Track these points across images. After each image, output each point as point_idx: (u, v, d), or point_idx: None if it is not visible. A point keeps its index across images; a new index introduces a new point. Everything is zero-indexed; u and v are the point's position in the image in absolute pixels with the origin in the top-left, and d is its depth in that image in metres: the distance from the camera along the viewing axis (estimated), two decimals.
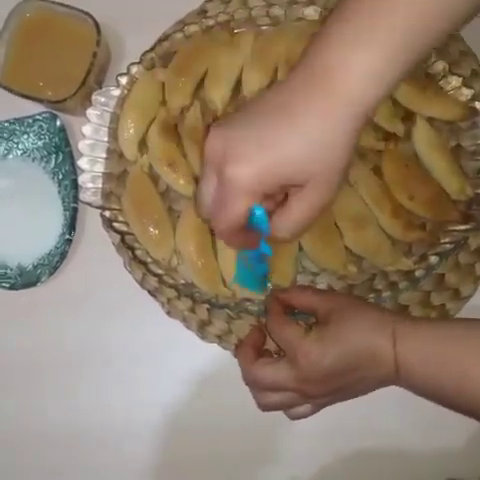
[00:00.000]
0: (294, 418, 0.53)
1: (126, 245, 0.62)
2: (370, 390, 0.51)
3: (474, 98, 0.61)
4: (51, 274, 0.64)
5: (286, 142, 0.41)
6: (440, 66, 0.61)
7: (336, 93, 0.41)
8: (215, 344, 0.64)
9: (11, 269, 0.66)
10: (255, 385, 0.53)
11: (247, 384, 0.54)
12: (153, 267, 0.62)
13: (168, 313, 0.64)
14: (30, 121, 0.67)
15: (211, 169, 0.44)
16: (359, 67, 0.41)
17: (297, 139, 0.41)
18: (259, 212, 0.43)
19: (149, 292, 0.64)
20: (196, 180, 0.62)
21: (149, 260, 0.62)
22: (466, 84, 0.61)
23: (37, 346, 0.66)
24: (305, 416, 0.53)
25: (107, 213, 0.63)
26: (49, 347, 0.66)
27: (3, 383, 0.66)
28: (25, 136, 0.67)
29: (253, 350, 0.55)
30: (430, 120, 0.62)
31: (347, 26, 0.42)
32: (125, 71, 0.64)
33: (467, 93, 0.61)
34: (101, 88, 0.65)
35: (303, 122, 0.42)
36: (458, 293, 0.62)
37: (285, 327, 0.52)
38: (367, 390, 0.52)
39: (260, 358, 0.53)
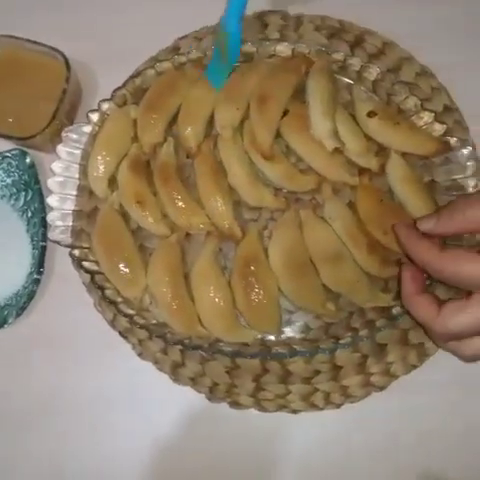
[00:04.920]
0: None
1: (96, 284, 0.60)
2: None
3: (447, 133, 0.60)
4: (18, 315, 0.62)
5: None
6: (412, 102, 0.61)
7: None
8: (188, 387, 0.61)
9: None
10: (454, 339, 0.47)
11: (441, 340, 0.48)
12: (123, 307, 0.60)
13: (140, 355, 0.62)
14: None
15: None
16: None
17: None
18: None
19: (120, 333, 0.62)
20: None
21: (119, 300, 0.60)
22: (438, 119, 0.61)
23: (2, 391, 0.63)
24: None
25: (77, 252, 0.61)
26: (15, 392, 0.63)
27: None
28: None
29: (430, 302, 0.48)
30: (404, 155, 0.61)
31: None
32: (96, 108, 0.63)
33: (439, 128, 0.60)
34: (72, 124, 0.64)
35: None
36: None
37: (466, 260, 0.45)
38: None
39: (443, 307, 0.46)
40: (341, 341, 0.59)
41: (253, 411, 0.61)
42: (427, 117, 0.61)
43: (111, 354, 0.63)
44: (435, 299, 0.49)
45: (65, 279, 0.64)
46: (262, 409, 0.61)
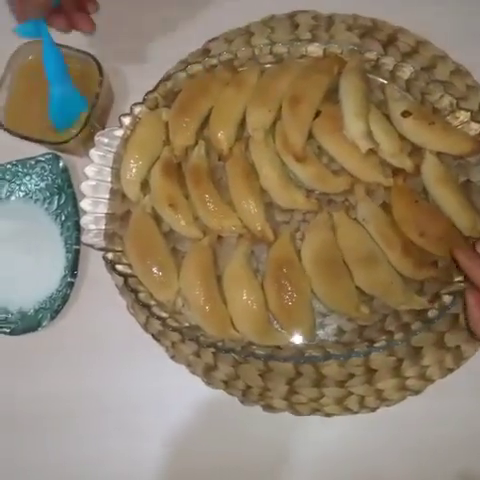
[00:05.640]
0: None
1: (129, 287, 0.60)
2: None
3: None
4: (52, 318, 0.63)
5: None
6: (447, 101, 0.60)
7: None
8: (220, 391, 0.61)
9: (12, 314, 0.64)
10: None
11: None
12: (156, 310, 0.60)
13: (173, 357, 0.62)
14: (32, 162, 0.66)
15: None
16: None
17: None
18: None
19: (153, 336, 0.63)
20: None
21: (152, 303, 0.60)
22: (474, 118, 0.60)
23: (36, 393, 0.63)
24: None
25: (110, 255, 0.61)
26: (48, 394, 0.63)
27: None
28: (27, 177, 0.67)
29: None
30: (439, 155, 0.60)
31: None
32: (128, 111, 0.63)
33: (476, 127, 0.59)
34: (104, 129, 0.64)
35: None
36: (473, 334, 0.60)
37: None
38: None
39: None
40: (376, 344, 0.58)
41: (285, 414, 0.60)
42: (463, 116, 0.60)
43: (143, 357, 0.63)
44: None
45: (98, 282, 0.65)
46: (296, 412, 0.60)
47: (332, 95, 0.62)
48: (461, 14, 0.67)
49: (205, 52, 0.67)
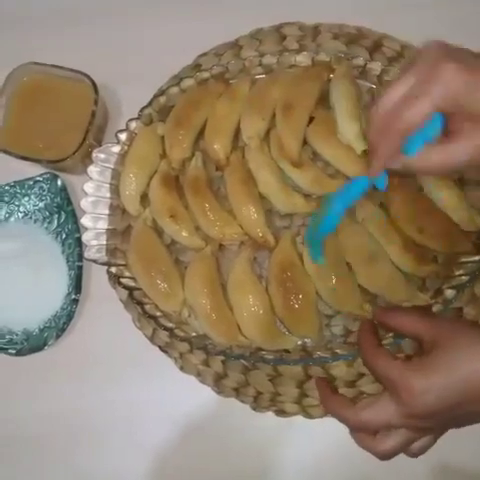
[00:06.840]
0: (413, 455, 0.48)
1: (135, 300, 0.61)
2: None
3: None
4: (58, 337, 0.62)
5: None
6: None
7: None
8: (228, 401, 0.61)
9: (17, 334, 0.64)
10: (363, 432, 0.47)
11: (354, 433, 0.48)
12: (163, 321, 0.60)
13: (181, 368, 0.62)
14: (31, 183, 0.66)
15: (417, 67, 0.42)
16: None
17: None
18: (439, 117, 0.41)
19: (160, 348, 0.63)
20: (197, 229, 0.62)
21: (159, 314, 0.60)
22: None
23: (45, 413, 0.63)
24: (423, 451, 0.48)
25: (113, 269, 0.61)
26: (58, 413, 0.63)
27: (14, 451, 0.63)
28: (26, 198, 0.67)
29: (343, 397, 0.50)
30: None
31: None
32: (124, 127, 0.64)
33: None
34: (100, 146, 0.65)
35: None
36: None
37: (381, 359, 0.46)
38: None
39: (358, 403, 0.47)
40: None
41: (294, 419, 0.61)
42: None
43: (149, 370, 0.63)
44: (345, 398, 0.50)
45: (102, 298, 0.65)
46: (308, 416, 0.60)
47: (323, 101, 0.63)
48: (441, 19, 0.69)
49: (196, 67, 0.69)
